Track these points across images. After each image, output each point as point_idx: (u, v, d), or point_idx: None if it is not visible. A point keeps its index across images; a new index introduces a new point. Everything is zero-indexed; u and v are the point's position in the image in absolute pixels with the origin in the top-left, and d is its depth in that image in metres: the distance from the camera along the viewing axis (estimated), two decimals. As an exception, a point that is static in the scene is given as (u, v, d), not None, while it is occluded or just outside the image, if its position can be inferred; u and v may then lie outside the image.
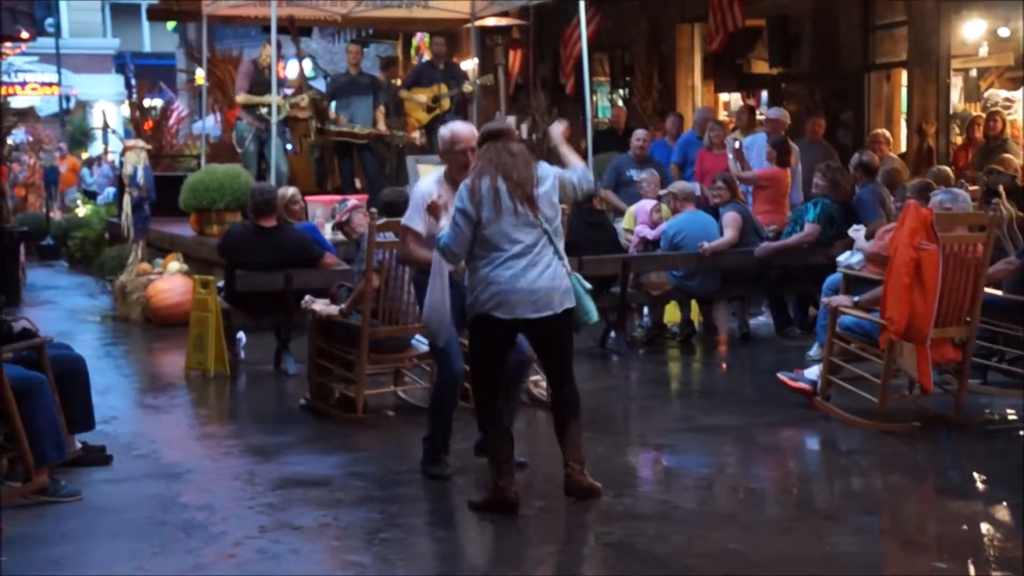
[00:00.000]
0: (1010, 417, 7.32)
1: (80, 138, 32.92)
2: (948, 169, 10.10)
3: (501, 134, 5.59)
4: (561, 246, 5.58)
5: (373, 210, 7.71)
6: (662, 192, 10.36)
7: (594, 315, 5.73)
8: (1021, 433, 7.05)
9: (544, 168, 5.60)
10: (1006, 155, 11.06)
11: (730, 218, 9.78)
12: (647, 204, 10.42)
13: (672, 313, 10.26)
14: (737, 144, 11.52)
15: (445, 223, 5.62)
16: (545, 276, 5.44)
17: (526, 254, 5.42)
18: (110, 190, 19.80)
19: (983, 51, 14.06)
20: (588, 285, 5.76)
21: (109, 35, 44.47)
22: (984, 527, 5.51)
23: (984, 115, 12.75)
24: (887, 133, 12.21)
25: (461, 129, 6.05)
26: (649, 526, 5.42)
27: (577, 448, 5.66)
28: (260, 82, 12.68)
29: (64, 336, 8.48)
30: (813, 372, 7.56)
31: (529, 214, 5.42)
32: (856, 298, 7.38)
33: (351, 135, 12.96)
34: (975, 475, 6.27)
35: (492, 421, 5.63)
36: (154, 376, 9.49)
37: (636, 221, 10.38)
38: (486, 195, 5.40)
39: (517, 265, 5.41)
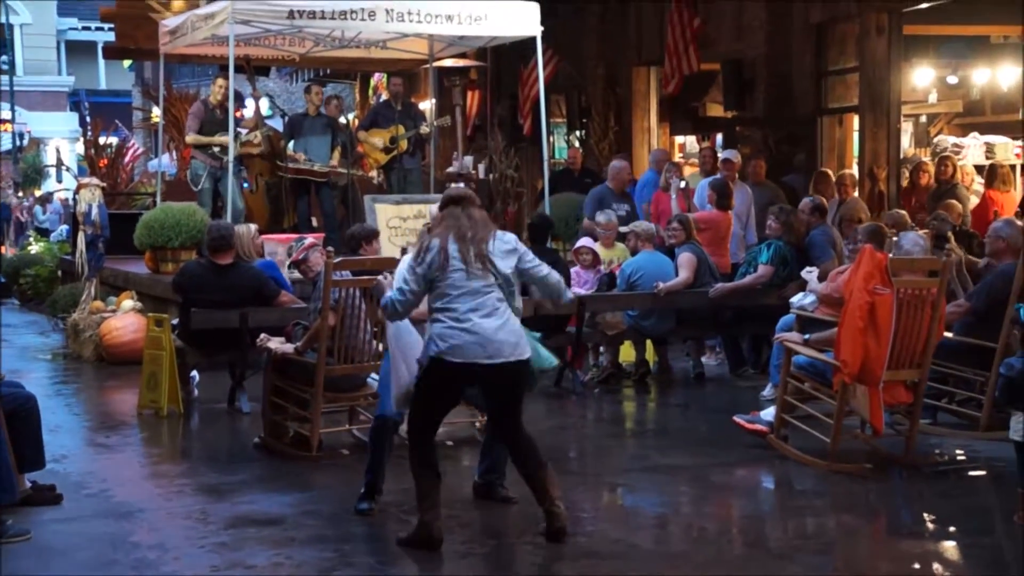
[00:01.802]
0: (959, 458, 7.40)
1: (33, 175, 32.68)
2: (904, 213, 10.24)
3: (462, 200, 5.71)
4: (517, 303, 5.66)
5: (330, 248, 7.72)
6: (624, 229, 10.37)
7: (552, 359, 5.80)
8: (970, 474, 7.13)
9: (509, 236, 5.74)
10: (950, 201, 11.25)
11: (685, 259, 9.86)
12: (582, 243, 10.40)
13: (627, 352, 10.31)
14: (682, 185, 11.63)
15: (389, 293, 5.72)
16: (497, 327, 5.50)
17: (480, 308, 5.49)
18: (63, 227, 19.66)
19: (932, 98, 14.33)
20: (536, 334, 5.88)
21: (64, 72, 44.32)
22: (934, 566, 5.55)
23: (929, 161, 12.98)
24: (854, 174, 12.38)
25: None
26: (604, 564, 5.42)
27: (556, 489, 5.69)
28: (211, 121, 12.67)
29: (15, 374, 8.39)
30: (769, 413, 7.61)
31: (479, 270, 5.50)
32: (807, 336, 7.46)
33: (309, 172, 12.96)
34: (925, 515, 6.34)
35: (424, 459, 5.65)
36: (106, 414, 9.39)
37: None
38: (435, 256, 5.49)
39: (471, 316, 5.47)
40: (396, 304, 5.61)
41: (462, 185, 11.21)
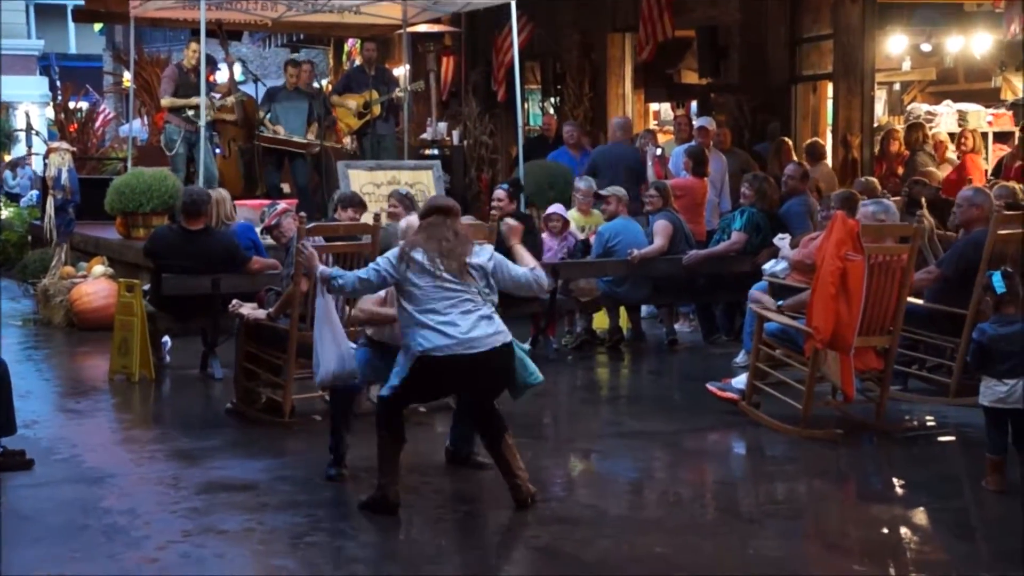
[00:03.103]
0: (929, 423, 7.45)
1: (3, 140, 32.34)
2: (875, 180, 10.27)
3: (447, 210, 5.77)
4: (493, 311, 5.68)
5: (302, 214, 7.67)
6: (604, 192, 10.32)
7: (538, 375, 5.91)
8: (940, 439, 7.18)
9: (486, 248, 5.81)
10: (929, 168, 11.27)
11: (660, 226, 9.86)
12: (552, 210, 10.38)
13: (601, 320, 10.32)
14: (658, 152, 11.62)
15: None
16: (474, 323, 5.53)
17: (454, 308, 5.52)
18: (33, 193, 19.48)
19: (906, 65, 14.35)
20: (526, 347, 5.91)
21: (34, 36, 43.80)
22: (903, 531, 5.60)
23: (901, 128, 13.01)
24: (822, 143, 12.40)
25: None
26: (577, 530, 5.44)
27: (517, 459, 5.72)
28: (185, 84, 12.58)
29: (-17, 339, 8.33)
30: (741, 380, 7.64)
31: (459, 282, 5.55)
32: (780, 302, 7.48)
33: (284, 143, 12.91)
34: (895, 480, 6.39)
35: (389, 424, 5.68)
36: (77, 380, 9.34)
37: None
38: (419, 263, 5.55)
39: (449, 320, 5.50)
40: (357, 284, 5.75)
41: (444, 194, 11.26)
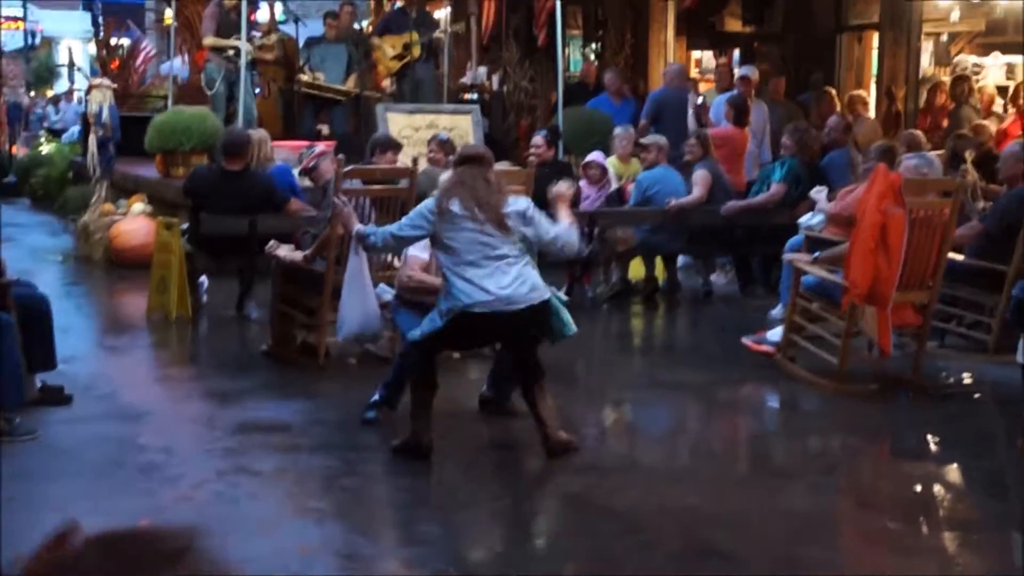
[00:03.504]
0: (966, 381, 7.40)
1: (45, 75, 32.45)
2: (920, 133, 10.13)
3: (479, 159, 5.73)
4: (532, 261, 5.68)
5: (340, 156, 7.67)
6: (645, 140, 10.26)
7: (572, 327, 5.83)
8: (976, 396, 7.14)
9: (521, 199, 5.75)
10: (980, 122, 11.10)
11: (700, 176, 9.79)
12: (592, 157, 10.32)
13: (637, 269, 10.29)
14: (700, 100, 11.52)
15: (565, 215, 5.84)
16: (512, 279, 5.50)
17: (492, 262, 5.49)
18: (75, 128, 19.55)
19: (954, 16, 14.10)
20: (564, 297, 5.88)
21: (77, -29, 43.79)
22: (936, 488, 5.59)
23: (947, 80, 12.81)
24: (864, 94, 12.24)
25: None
26: (608, 479, 5.45)
27: (549, 408, 5.72)
28: (226, 23, 12.55)
29: (25, 274, 8.37)
30: (776, 333, 7.61)
31: (495, 232, 5.51)
32: (816, 253, 7.43)
33: (323, 88, 12.89)
34: (930, 437, 6.35)
35: (423, 370, 5.69)
36: (115, 318, 9.43)
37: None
38: (455, 214, 5.51)
39: (487, 274, 5.47)
40: (389, 239, 5.74)
41: (482, 139, 11.23)
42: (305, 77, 13.00)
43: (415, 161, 7.79)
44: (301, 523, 4.88)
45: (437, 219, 5.55)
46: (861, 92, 12.40)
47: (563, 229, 5.75)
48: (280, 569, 4.32)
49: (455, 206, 5.54)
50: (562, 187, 6.12)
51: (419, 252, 6.22)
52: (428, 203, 5.66)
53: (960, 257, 7.65)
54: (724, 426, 6.73)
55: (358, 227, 5.98)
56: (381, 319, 6.28)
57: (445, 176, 6.11)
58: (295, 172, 9.82)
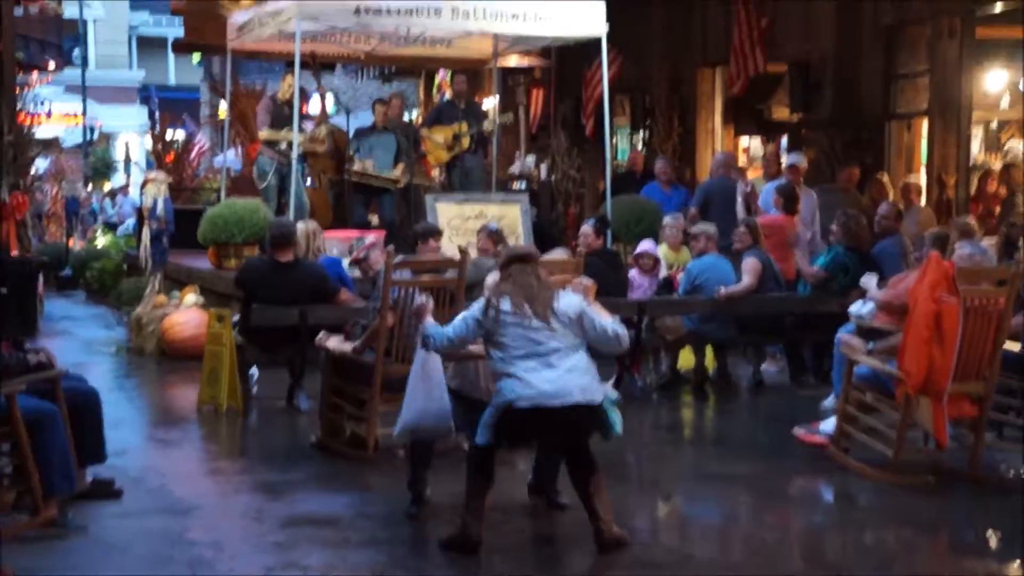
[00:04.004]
0: (1026, 473, 7.25)
1: (103, 169, 33.13)
2: (972, 221, 10.04)
3: (528, 257, 5.81)
4: (585, 355, 5.64)
5: (390, 247, 7.72)
6: (694, 230, 10.28)
7: (618, 427, 5.77)
8: (1037, 489, 6.97)
9: (574, 297, 5.76)
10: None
11: (750, 264, 9.75)
12: (644, 247, 10.33)
13: (687, 358, 10.22)
14: (748, 188, 11.53)
15: (431, 321, 5.92)
16: (561, 377, 5.49)
17: (541, 357, 5.51)
18: (130, 221, 19.89)
19: (1004, 102, 14.05)
20: (615, 395, 5.83)
21: (135, 67, 44.88)
22: (998, 585, 5.44)
23: (999, 167, 12.73)
24: (918, 182, 12.19)
25: None
26: (659, 575, 5.36)
27: (604, 501, 5.65)
28: (279, 116, 12.76)
29: (79, 367, 8.47)
30: (829, 425, 7.51)
31: (545, 327, 5.55)
32: (871, 345, 7.34)
33: (372, 178, 13.03)
34: (989, 532, 6.20)
35: (481, 464, 5.66)
36: (166, 410, 9.48)
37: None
38: (506, 311, 5.56)
39: (536, 370, 5.49)
40: (444, 341, 5.75)
41: (530, 228, 11.33)
42: (355, 167, 13.14)
43: (464, 251, 7.83)
44: (349, 620, 4.83)
45: (488, 317, 5.57)
46: (915, 179, 12.34)
47: (615, 323, 5.74)
48: (327, 669, 4.27)
49: (505, 304, 5.57)
50: (584, 281, 6.10)
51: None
52: (477, 304, 5.69)
53: (1017, 347, 7.53)
54: (777, 519, 6.61)
55: (425, 325, 5.94)
56: (449, 417, 6.15)
57: (492, 271, 6.14)
58: (345, 263, 9.91)
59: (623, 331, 5.78)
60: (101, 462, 6.51)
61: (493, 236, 9.43)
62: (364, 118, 14.94)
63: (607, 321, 5.72)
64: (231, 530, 6.01)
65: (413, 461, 6.22)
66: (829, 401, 8.53)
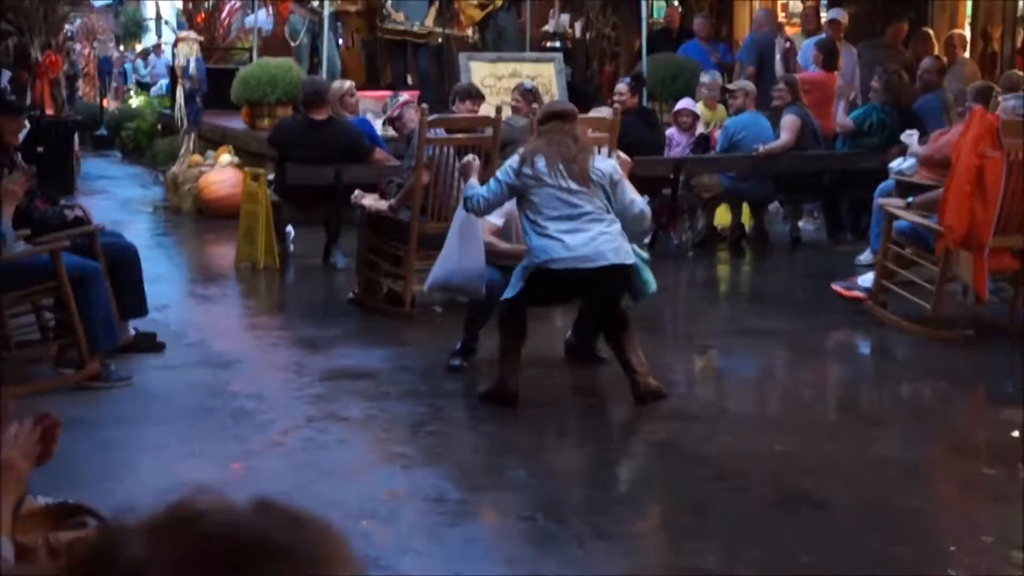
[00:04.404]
0: (1065, 327, 7.21)
1: (134, 29, 32.81)
2: (1020, 73, 9.83)
3: (566, 116, 5.69)
4: (617, 225, 5.57)
5: (424, 106, 7.65)
6: (731, 86, 10.15)
7: (652, 286, 5.75)
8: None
9: (608, 161, 5.74)
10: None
11: (788, 121, 9.62)
12: (683, 105, 10.19)
13: (723, 216, 10.16)
14: (787, 45, 11.30)
15: (475, 182, 5.78)
16: (593, 240, 5.44)
17: (573, 220, 5.45)
18: (163, 82, 19.79)
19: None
20: (646, 255, 5.78)
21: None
22: (1034, 436, 5.46)
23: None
24: (963, 34, 11.90)
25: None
26: (695, 426, 5.41)
27: (638, 354, 5.66)
28: (311, -26, 12.58)
29: (117, 225, 8.53)
30: (867, 279, 7.48)
31: (581, 189, 5.47)
32: (910, 200, 7.27)
33: (407, 34, 12.84)
34: (1027, 384, 6.21)
35: (513, 320, 5.66)
36: (205, 267, 9.56)
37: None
38: (541, 171, 5.46)
39: (570, 230, 5.43)
40: (481, 202, 5.68)
41: (565, 87, 11.14)
42: (387, 20, 12.85)
43: (499, 110, 7.75)
44: (389, 469, 4.92)
45: (523, 175, 5.51)
46: (959, 32, 12.05)
47: (643, 203, 5.70)
48: (369, 514, 4.36)
49: (540, 163, 5.50)
50: (623, 156, 6.01)
51: (493, 217, 6.16)
52: (512, 160, 5.61)
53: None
54: (814, 373, 6.64)
55: (469, 184, 5.86)
56: (483, 278, 6.10)
57: (525, 127, 6.06)
58: (378, 122, 9.85)
59: (648, 211, 5.77)
60: (143, 315, 6.59)
61: (527, 95, 9.30)
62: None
63: (637, 197, 5.68)
64: (271, 383, 6.09)
65: (471, 316, 6.17)
66: (865, 256, 8.50)
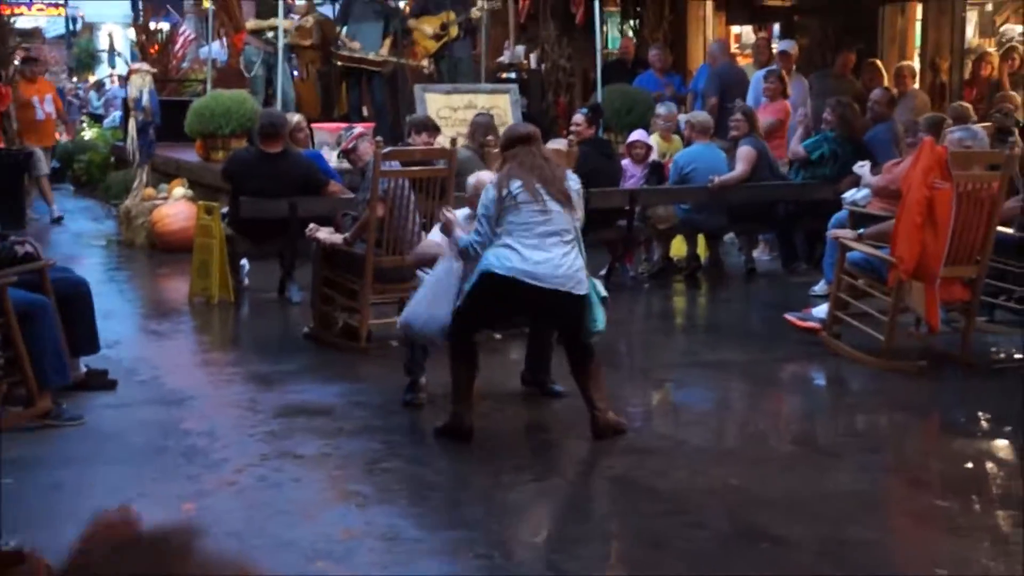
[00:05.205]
0: (1016, 356, 7.28)
1: (87, 60, 32.62)
2: (967, 105, 9.96)
3: (531, 137, 5.65)
4: (581, 248, 5.60)
5: (379, 138, 7.64)
6: (682, 118, 10.24)
7: (600, 324, 5.69)
8: (1027, 373, 7.02)
9: (573, 176, 5.71)
10: (1010, 92, 10.92)
11: (744, 152, 9.68)
12: (636, 136, 10.24)
13: (678, 247, 10.21)
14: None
15: (460, 233, 5.70)
16: (548, 261, 5.41)
17: (540, 238, 5.42)
18: (116, 114, 19.65)
19: (1000, -15, 13.89)
20: (604, 293, 5.76)
21: (116, -43, 43.90)
22: (988, 465, 5.50)
23: (994, 52, 12.59)
24: (912, 65, 12.06)
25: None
26: (652, 460, 5.40)
27: (600, 390, 5.65)
28: (265, 6, 12.56)
29: (69, 260, 8.46)
30: (821, 310, 7.52)
31: (559, 208, 5.45)
32: (861, 230, 7.33)
33: (362, 61, 12.82)
34: (980, 414, 6.25)
35: (463, 353, 5.63)
36: (158, 301, 9.47)
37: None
38: (516, 192, 5.43)
39: (526, 241, 5.41)
40: (477, 247, 5.56)
41: (522, 122, 11.11)
42: (343, 50, 12.84)
43: (453, 142, 7.75)
44: (344, 507, 4.87)
45: (502, 204, 5.45)
46: (908, 63, 12.21)
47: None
48: (324, 554, 4.31)
49: (515, 185, 5.45)
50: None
51: (436, 236, 6.12)
52: (488, 195, 5.54)
53: (1009, 231, 7.52)
54: (769, 405, 6.66)
55: (457, 238, 5.72)
56: (443, 330, 5.87)
57: (476, 179, 5.99)
58: (333, 154, 9.82)
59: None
60: (94, 352, 6.51)
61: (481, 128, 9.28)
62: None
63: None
64: (225, 420, 6.03)
65: (411, 345, 6.17)
66: (820, 286, 8.55)
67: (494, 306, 5.66)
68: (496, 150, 6.56)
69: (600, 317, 5.69)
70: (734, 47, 16.33)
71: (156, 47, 18.62)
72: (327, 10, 14.72)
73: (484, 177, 6.02)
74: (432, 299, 5.78)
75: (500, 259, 5.40)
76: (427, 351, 6.14)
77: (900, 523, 4.98)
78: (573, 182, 5.64)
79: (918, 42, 12.94)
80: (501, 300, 5.56)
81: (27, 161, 13.66)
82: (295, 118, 9.50)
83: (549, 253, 5.42)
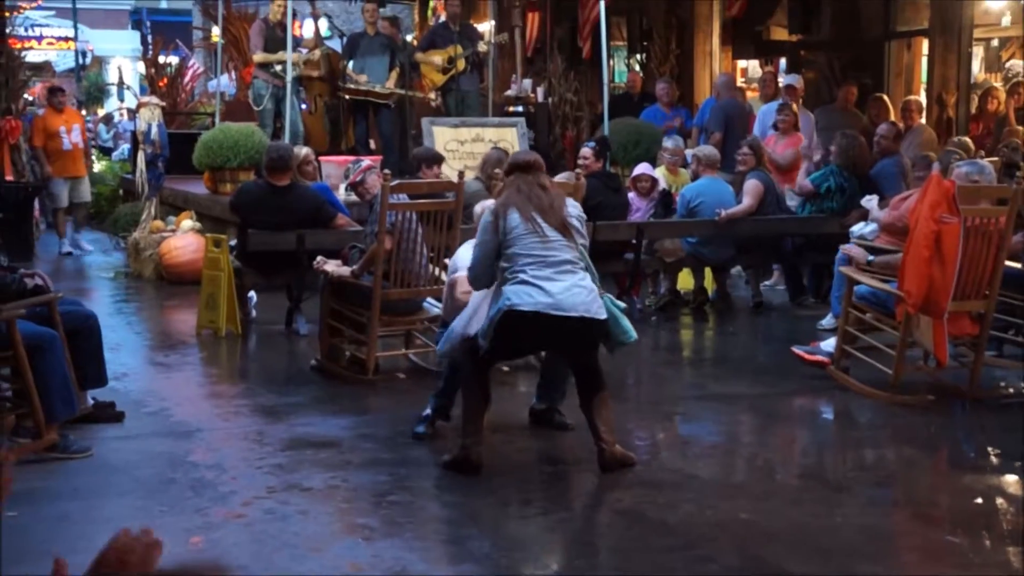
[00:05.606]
0: (1025, 391, 7.27)
1: (96, 94, 32.80)
2: (969, 140, 10.00)
3: (532, 165, 5.65)
4: (592, 270, 5.60)
5: (387, 171, 7.66)
6: (688, 152, 10.28)
7: (632, 334, 5.71)
8: (1036, 407, 7.00)
9: (573, 203, 5.72)
10: (1016, 127, 10.95)
11: (751, 186, 9.71)
12: (641, 170, 10.25)
13: (686, 280, 10.21)
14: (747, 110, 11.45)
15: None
16: (569, 286, 5.41)
17: (549, 268, 5.42)
18: (125, 147, 19.76)
19: (1006, 20, 13.91)
20: (621, 304, 5.77)
21: (125, -9, 44.21)
22: (998, 501, 5.46)
23: (1000, 87, 12.63)
24: (919, 100, 12.10)
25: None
26: (660, 494, 5.38)
27: (608, 422, 5.63)
28: (272, 39, 12.62)
29: (77, 292, 8.49)
30: (829, 344, 7.51)
31: (560, 237, 5.46)
32: (871, 257, 7.34)
33: (369, 94, 12.88)
34: (989, 448, 6.23)
35: (475, 383, 5.63)
36: (165, 334, 9.48)
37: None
38: (514, 223, 5.44)
39: (544, 279, 5.40)
40: (474, 276, 5.65)
41: (527, 149, 11.17)
42: (350, 83, 12.91)
43: (460, 175, 7.78)
44: (351, 540, 4.85)
45: (498, 233, 5.47)
46: (915, 98, 12.25)
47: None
48: (331, 587, 4.30)
49: (513, 216, 5.48)
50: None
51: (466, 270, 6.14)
52: (485, 221, 5.57)
53: (1017, 265, 7.52)
54: (778, 439, 6.64)
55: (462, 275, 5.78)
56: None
57: (481, 208, 6.02)
58: (341, 187, 9.85)
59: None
60: (102, 385, 6.52)
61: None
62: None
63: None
64: (232, 452, 6.02)
65: (452, 369, 6.05)
66: (827, 320, 8.55)
67: (517, 342, 5.66)
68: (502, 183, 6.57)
69: (628, 327, 5.69)
70: (740, 81, 16.40)
71: (165, 80, 18.77)
72: (334, 44, 14.81)
73: (488, 206, 6.05)
74: (473, 312, 5.78)
75: (520, 295, 5.40)
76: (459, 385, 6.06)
77: (909, 558, 4.95)
78: (573, 208, 5.63)
79: (924, 77, 12.98)
80: (525, 336, 5.55)
81: (35, 194, 13.72)
82: (303, 151, 9.53)
83: (565, 282, 5.42)
